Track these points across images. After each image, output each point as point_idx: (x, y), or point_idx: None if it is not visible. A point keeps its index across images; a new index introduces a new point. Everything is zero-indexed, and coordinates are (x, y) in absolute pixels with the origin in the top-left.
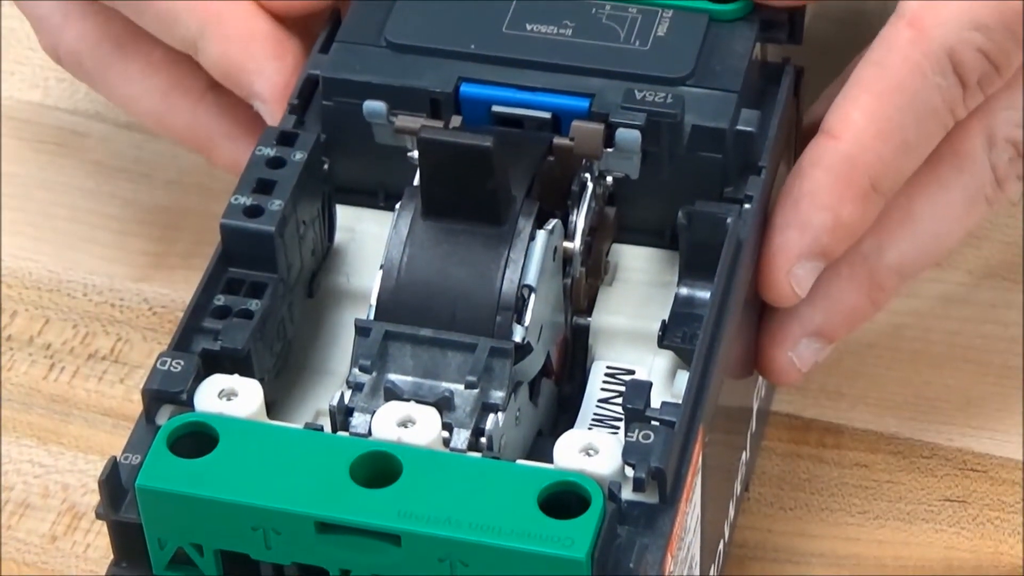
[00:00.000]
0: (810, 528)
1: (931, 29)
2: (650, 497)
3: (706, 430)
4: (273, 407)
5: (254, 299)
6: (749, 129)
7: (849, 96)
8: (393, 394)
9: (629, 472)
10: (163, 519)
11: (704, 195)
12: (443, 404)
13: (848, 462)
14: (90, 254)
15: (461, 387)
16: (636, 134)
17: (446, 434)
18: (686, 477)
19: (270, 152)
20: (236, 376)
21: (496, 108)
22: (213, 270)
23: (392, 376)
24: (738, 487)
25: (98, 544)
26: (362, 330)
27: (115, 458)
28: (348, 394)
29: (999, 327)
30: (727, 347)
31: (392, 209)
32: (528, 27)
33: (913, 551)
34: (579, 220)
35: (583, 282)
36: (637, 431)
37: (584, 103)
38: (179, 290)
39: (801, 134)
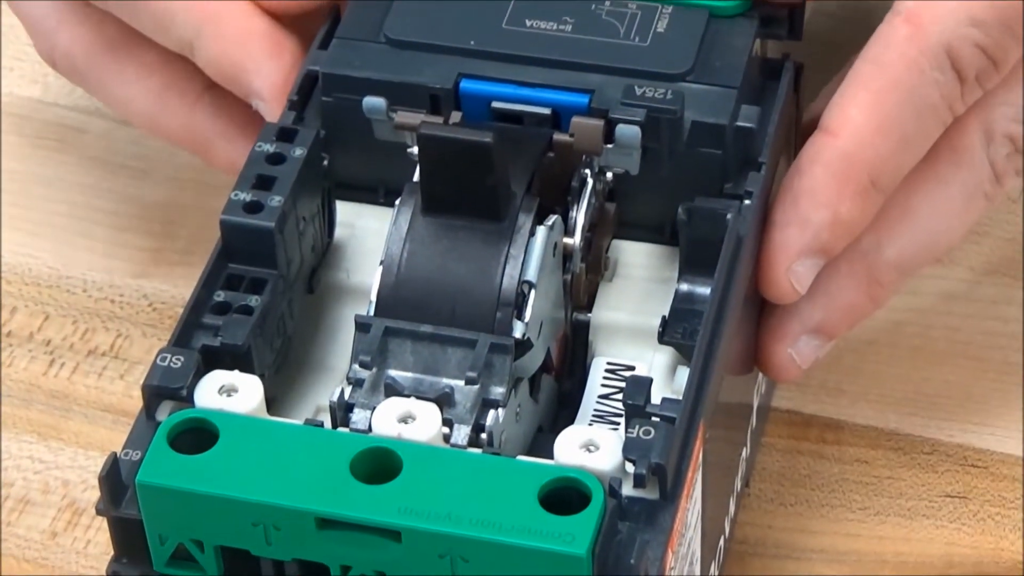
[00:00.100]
0: (811, 524)
1: (928, 25)
2: (651, 493)
3: (706, 426)
4: (273, 403)
5: (254, 295)
6: (749, 125)
7: (847, 93)
8: (393, 390)
9: (630, 468)
10: (164, 515)
11: (704, 191)
12: (443, 400)
13: (849, 458)
14: (90, 250)
15: (461, 383)
16: (636, 130)
17: (446, 430)
18: (687, 473)
19: (270, 148)
20: (236, 372)
21: (496, 104)
22: (213, 266)
23: (392, 372)
24: (738, 483)
25: (98, 540)
26: (362, 326)
27: (115, 454)
28: (348, 390)
29: (1000, 323)
30: (727, 343)
31: (392, 205)
32: (528, 23)
33: (914, 547)
34: (579, 216)
35: (583, 278)
36: (637, 427)
37: (584, 99)
38: (179, 286)
39: (801, 131)
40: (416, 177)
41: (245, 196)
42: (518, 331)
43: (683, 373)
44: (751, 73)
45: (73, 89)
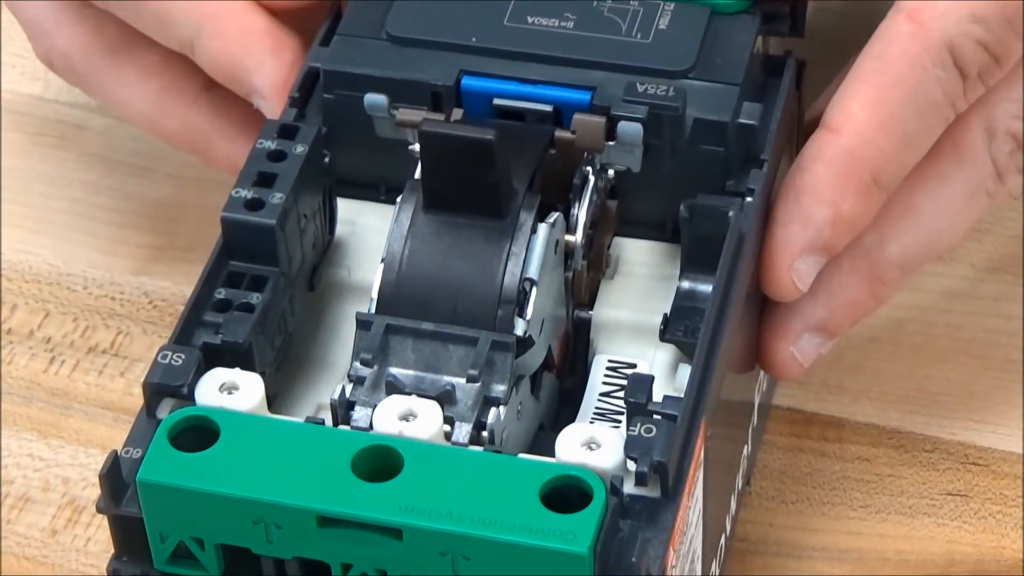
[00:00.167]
0: (812, 522)
1: (930, 22)
2: (652, 491)
3: (708, 424)
4: (274, 401)
5: (255, 292)
6: (751, 122)
7: (849, 90)
8: (394, 388)
9: (631, 466)
10: (164, 513)
11: (706, 188)
12: (444, 398)
13: (850, 456)
14: (90, 247)
15: (463, 381)
16: (638, 127)
17: (447, 428)
18: (688, 471)
19: (271, 145)
20: (237, 370)
21: (497, 101)
22: (214, 263)
23: (393, 370)
24: (740, 481)
25: (99, 538)
26: (363, 324)
27: (116, 452)
28: (349, 388)
29: (1002, 321)
30: (729, 341)
31: (393, 202)
32: (529, 20)
33: (915, 545)
34: (581, 213)
35: (584, 275)
36: (639, 425)
37: (586, 96)
38: (179, 283)
39: (804, 129)
40: (417, 174)
41: (246, 193)
42: (519, 329)
43: (684, 371)
44: (753, 70)
45: (74, 87)
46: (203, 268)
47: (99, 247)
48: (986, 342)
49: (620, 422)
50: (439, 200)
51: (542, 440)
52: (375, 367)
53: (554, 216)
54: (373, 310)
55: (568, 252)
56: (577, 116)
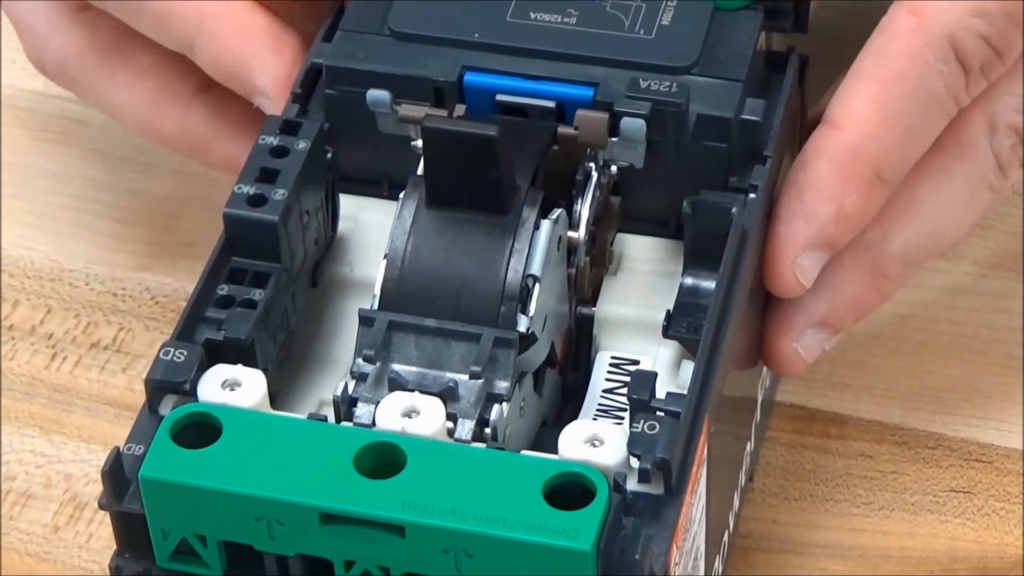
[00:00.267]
0: (815, 519)
1: (932, 16)
2: (655, 488)
3: (711, 421)
4: (277, 397)
5: (257, 289)
6: (754, 118)
7: (851, 85)
8: (397, 384)
9: (634, 463)
10: (166, 510)
11: (709, 184)
12: (447, 394)
13: (853, 453)
14: (92, 243)
15: (465, 377)
16: (641, 123)
17: (450, 424)
18: (691, 468)
19: (273, 141)
20: (239, 366)
21: (500, 97)
22: (216, 259)
23: (396, 366)
24: (743, 478)
25: (100, 534)
26: (366, 320)
27: (118, 448)
28: (352, 384)
29: (1004, 317)
30: (732, 337)
31: (396, 198)
32: (532, 16)
33: (918, 542)
34: (583, 209)
35: (587, 272)
36: (642, 422)
37: (588, 92)
38: (181, 279)
39: (807, 125)
40: (420, 170)
41: (249, 189)
42: (522, 325)
43: (688, 367)
44: (756, 66)
45: None
46: (205, 264)
47: (101, 243)
48: (989, 339)
49: (623, 419)
50: (442, 196)
51: (545, 437)
52: (378, 363)
53: (557, 212)
54: (376, 306)
55: (571, 248)
56: (580, 112)
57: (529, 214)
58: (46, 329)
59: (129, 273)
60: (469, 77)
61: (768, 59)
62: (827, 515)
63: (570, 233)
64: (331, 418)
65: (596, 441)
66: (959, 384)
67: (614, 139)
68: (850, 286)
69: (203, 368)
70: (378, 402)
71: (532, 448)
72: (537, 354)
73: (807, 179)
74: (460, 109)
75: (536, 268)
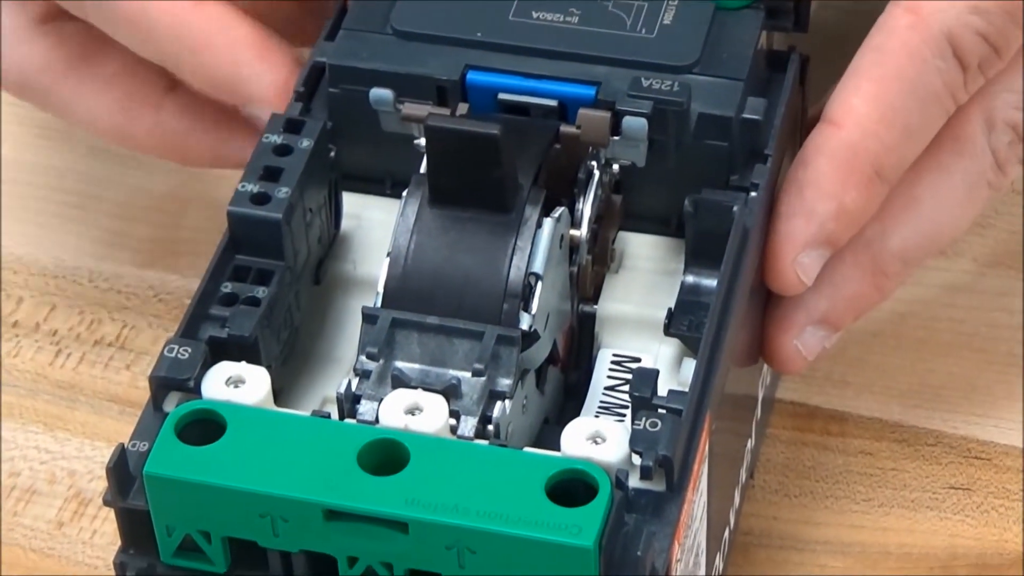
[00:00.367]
0: (815, 516)
1: (930, 14)
2: (657, 485)
3: (712, 418)
4: (280, 394)
5: (261, 286)
6: (755, 117)
7: (850, 83)
8: (400, 382)
9: (636, 460)
10: (171, 506)
11: (710, 183)
12: (450, 392)
13: (853, 450)
14: (96, 240)
15: (468, 375)
16: (643, 122)
17: (453, 421)
18: (693, 465)
19: (277, 139)
20: (243, 363)
21: (502, 96)
22: (220, 257)
23: (399, 364)
24: (743, 475)
25: (105, 530)
26: (369, 318)
27: (123, 445)
28: (355, 382)
29: (1004, 315)
30: (733, 335)
31: (399, 197)
32: (534, 15)
33: (917, 539)
34: (585, 208)
35: (589, 270)
36: (644, 419)
37: (591, 91)
38: (185, 277)
39: (807, 124)
40: (423, 169)
41: (252, 187)
42: (525, 323)
43: (689, 365)
44: (757, 65)
45: None
46: (209, 262)
47: (105, 240)
48: (988, 336)
49: (625, 416)
50: (444, 194)
51: (547, 434)
52: (381, 361)
53: (559, 211)
54: (379, 304)
55: (573, 246)
56: (582, 111)
57: (531, 212)
58: (50, 326)
59: (133, 270)
60: (472, 76)
61: (769, 58)
62: (827, 512)
63: (572, 231)
64: (335, 415)
65: (598, 438)
66: (959, 381)
67: (616, 138)
68: (850, 283)
69: (207, 365)
70: (381, 399)
71: (534, 445)
72: (539, 352)
73: (807, 177)
74: (463, 108)
75: (538, 266)
